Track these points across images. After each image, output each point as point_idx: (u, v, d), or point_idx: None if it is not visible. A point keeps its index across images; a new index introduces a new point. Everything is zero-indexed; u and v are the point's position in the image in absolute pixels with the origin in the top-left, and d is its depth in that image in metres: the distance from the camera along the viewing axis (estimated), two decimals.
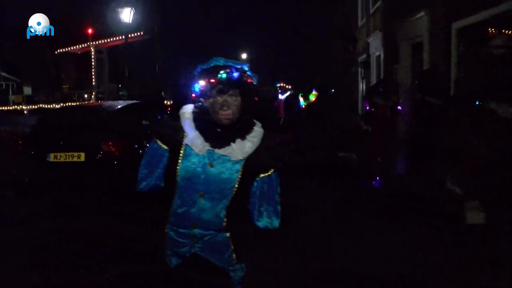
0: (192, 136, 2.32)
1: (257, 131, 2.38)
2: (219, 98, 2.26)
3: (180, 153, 2.34)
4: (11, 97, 34.13)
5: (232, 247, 2.42)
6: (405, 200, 6.71)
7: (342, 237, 5.64)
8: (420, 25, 10.11)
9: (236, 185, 2.32)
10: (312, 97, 17.36)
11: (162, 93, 21.39)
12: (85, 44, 30.30)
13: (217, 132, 2.31)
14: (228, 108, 2.26)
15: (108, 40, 28.99)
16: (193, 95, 2.38)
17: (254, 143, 2.34)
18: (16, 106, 30.69)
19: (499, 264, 4.73)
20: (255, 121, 2.40)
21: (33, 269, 4.79)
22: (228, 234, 2.40)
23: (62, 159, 7.02)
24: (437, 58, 9.08)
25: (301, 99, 19.42)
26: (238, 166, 2.32)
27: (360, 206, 6.89)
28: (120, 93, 29.68)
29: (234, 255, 2.44)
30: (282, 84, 23.97)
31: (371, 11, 16.46)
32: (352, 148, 10.24)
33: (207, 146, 2.31)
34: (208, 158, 2.32)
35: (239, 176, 2.32)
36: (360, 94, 18.90)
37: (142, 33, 26.35)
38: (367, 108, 9.12)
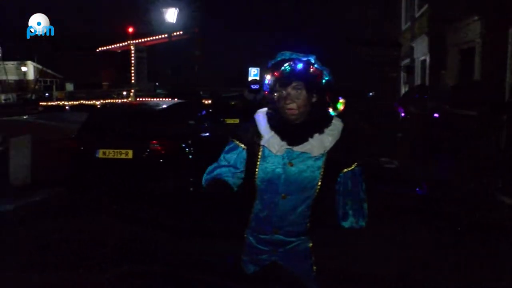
0: (268, 137, 2.25)
1: (336, 124, 2.29)
2: (283, 91, 2.19)
3: (258, 155, 2.27)
4: (55, 93, 35.08)
5: (313, 258, 2.33)
6: (405, 200, 6.69)
7: (342, 237, 5.60)
8: (472, 30, 9.84)
9: (319, 183, 2.23)
10: (341, 106, 17.05)
11: (201, 93, 21.57)
12: (125, 43, 30.74)
13: (292, 129, 2.23)
14: (292, 101, 2.18)
15: (148, 39, 29.34)
16: (266, 91, 2.32)
17: (334, 137, 2.24)
18: (58, 102, 31.47)
19: (499, 264, 4.74)
20: (333, 114, 2.31)
21: (33, 269, 4.79)
22: (310, 245, 2.31)
23: (110, 156, 7.11)
24: (490, 65, 8.82)
25: (330, 109, 18.98)
26: (320, 163, 2.23)
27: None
28: (158, 91, 30.10)
29: (314, 267, 2.34)
30: None
31: (417, 14, 16.16)
32: (391, 155, 10.09)
33: (284, 146, 2.22)
34: (287, 158, 2.23)
35: (321, 173, 2.22)
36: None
37: (182, 32, 26.58)
38: (402, 115, 8.94)
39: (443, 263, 4.93)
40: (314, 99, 2.23)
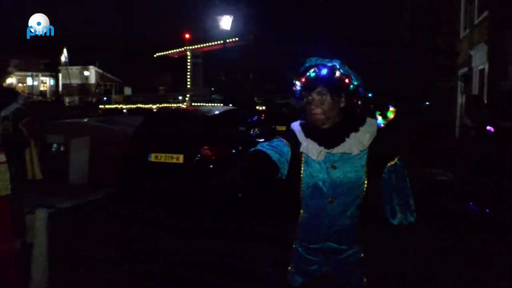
0: (305, 144, 2.25)
1: (371, 121, 2.28)
2: (309, 97, 2.21)
3: (301, 161, 2.26)
4: (114, 97, 36.35)
5: (364, 269, 2.31)
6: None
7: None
8: None
9: (365, 182, 2.21)
10: (391, 114, 16.57)
11: (255, 99, 21.76)
12: (182, 49, 31.43)
13: (326, 133, 2.22)
14: (317, 107, 2.19)
15: (204, 45, 29.88)
16: (297, 97, 2.33)
17: (371, 133, 2.23)
18: (117, 105, 32.58)
19: (499, 264, 4.70)
20: (365, 114, 2.29)
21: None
22: (362, 255, 2.31)
23: (162, 160, 7.31)
24: None
25: (379, 118, 18.21)
26: (362, 161, 2.21)
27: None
28: (213, 96, 30.57)
29: (365, 279, 2.32)
30: None
31: (476, 21, 15.69)
32: (446, 167, 9.84)
33: (323, 150, 2.22)
34: (329, 162, 2.22)
35: (366, 171, 2.21)
36: (458, 109, 18.08)
37: (237, 39, 26.91)
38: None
39: (443, 263, 4.91)
40: (342, 104, 2.23)
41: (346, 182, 2.20)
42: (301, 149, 2.25)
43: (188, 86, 30.39)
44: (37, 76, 48.45)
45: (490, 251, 5.01)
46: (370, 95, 2.34)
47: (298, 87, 2.27)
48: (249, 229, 5.86)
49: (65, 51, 49.05)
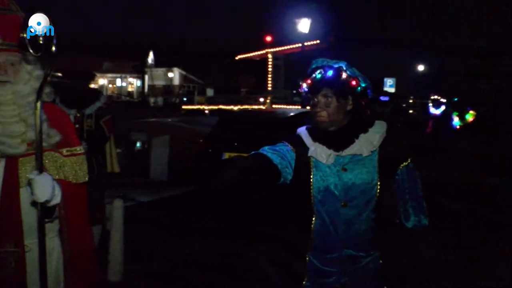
0: (313, 148, 2.19)
1: (379, 122, 2.23)
2: (314, 99, 2.16)
3: (310, 166, 2.19)
4: (196, 98, 37.47)
5: (383, 277, 2.23)
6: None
7: None
8: None
9: (378, 183, 2.14)
10: (470, 117, 15.56)
11: None
12: (264, 51, 31.82)
13: (334, 136, 2.16)
14: (322, 109, 2.13)
15: (285, 47, 30.09)
16: (304, 100, 2.30)
17: (381, 134, 2.18)
18: (199, 106, 33.58)
19: (499, 264, 4.65)
20: (374, 116, 2.24)
21: None
22: (380, 261, 2.21)
23: None
24: None
25: (455, 119, 16.35)
26: (374, 162, 2.16)
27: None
28: (294, 99, 30.65)
29: (385, 287, 2.23)
30: (435, 97, 21.19)
31: None
32: None
33: (332, 153, 2.16)
34: (339, 165, 2.16)
35: (378, 172, 2.15)
36: None
37: (318, 41, 26.88)
38: None
39: (443, 263, 4.89)
40: (349, 106, 2.17)
41: (358, 184, 2.13)
42: (310, 153, 2.19)
43: (269, 88, 30.70)
44: (125, 77, 50.94)
45: (490, 251, 5.01)
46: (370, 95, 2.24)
47: (304, 89, 2.23)
48: (249, 229, 5.90)
49: (151, 54, 51.28)
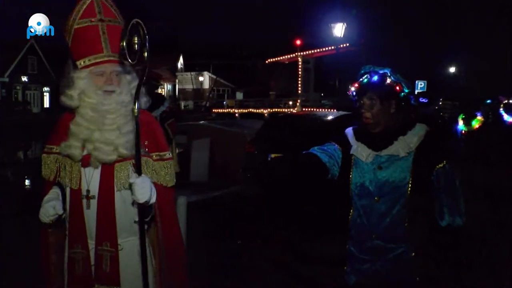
0: (355, 147, 2.40)
1: (420, 125, 2.36)
2: (361, 101, 2.34)
3: (351, 163, 2.40)
4: (226, 101, 37.71)
5: (415, 269, 2.31)
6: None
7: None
8: None
9: (410, 182, 2.28)
10: (476, 124, 14.94)
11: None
12: (293, 55, 31.87)
13: (375, 137, 2.35)
14: (367, 111, 2.31)
15: (315, 51, 30.08)
16: (353, 101, 2.47)
17: (419, 137, 2.31)
18: (229, 109, 33.83)
19: (499, 264, 4.61)
20: (416, 119, 2.39)
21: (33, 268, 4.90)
22: (413, 254, 2.31)
23: None
24: None
25: (460, 122, 16.20)
26: (408, 163, 2.29)
27: None
28: (322, 101, 30.61)
29: (418, 279, 2.31)
30: (509, 100, 19.97)
31: None
32: None
33: (371, 153, 2.35)
34: (377, 163, 2.34)
35: (411, 172, 2.28)
36: None
37: (348, 44, 26.81)
38: None
39: (443, 263, 4.71)
40: (392, 110, 2.32)
41: (390, 182, 2.30)
42: (351, 151, 2.40)
43: (299, 92, 30.72)
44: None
45: (490, 251, 4.94)
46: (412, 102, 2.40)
47: (352, 92, 2.41)
48: (249, 229, 5.91)
49: (181, 58, 51.84)
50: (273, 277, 4.69)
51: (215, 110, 34.84)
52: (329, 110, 22.01)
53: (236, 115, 31.34)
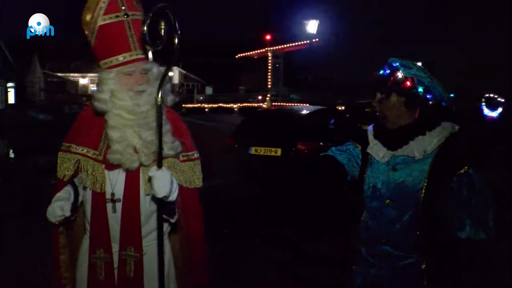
0: (372, 144, 2.31)
1: (443, 126, 2.20)
2: (374, 94, 2.28)
3: (367, 162, 2.31)
4: (196, 96, 37.64)
5: (426, 283, 2.15)
6: None
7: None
8: None
9: (424, 188, 2.12)
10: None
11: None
12: (263, 50, 32.00)
13: (391, 134, 2.24)
14: (376, 104, 2.25)
15: (285, 45, 30.33)
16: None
17: (439, 139, 2.15)
18: (199, 104, 33.80)
19: (499, 264, 4.64)
20: (441, 118, 2.25)
21: (33, 268, 4.49)
22: (423, 266, 2.16)
23: (261, 153, 7.96)
24: None
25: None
26: (425, 166, 2.14)
27: None
28: (291, 96, 30.98)
29: None
30: (490, 95, 17.65)
31: None
32: None
33: (387, 152, 2.23)
34: (392, 164, 2.22)
35: (427, 177, 2.12)
36: None
37: (318, 40, 27.18)
38: None
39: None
40: (402, 106, 2.22)
41: (404, 185, 2.15)
42: (368, 149, 2.31)
43: (269, 86, 30.96)
44: None
45: (490, 251, 5.11)
46: (443, 103, 2.26)
47: (370, 85, 2.36)
48: (249, 229, 6.01)
49: (150, 53, 51.22)
50: (273, 277, 4.71)
51: (185, 105, 34.71)
52: (300, 104, 22.39)
53: (206, 110, 31.33)
